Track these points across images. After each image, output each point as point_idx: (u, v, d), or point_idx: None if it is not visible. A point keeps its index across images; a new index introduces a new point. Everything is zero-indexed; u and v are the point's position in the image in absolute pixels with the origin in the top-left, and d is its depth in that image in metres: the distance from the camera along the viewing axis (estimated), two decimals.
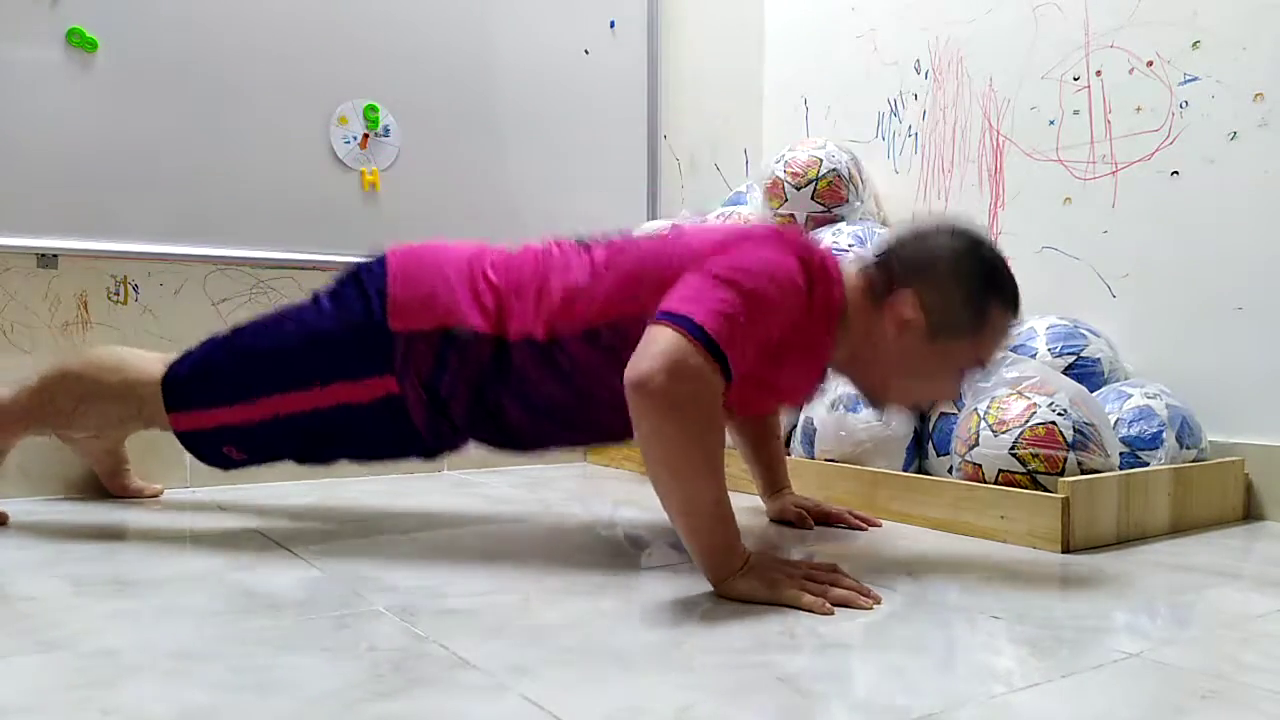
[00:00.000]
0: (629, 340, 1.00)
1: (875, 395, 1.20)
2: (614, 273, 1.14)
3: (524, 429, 1.24)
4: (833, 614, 0.94)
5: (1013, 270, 1.12)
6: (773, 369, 1.10)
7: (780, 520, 1.46)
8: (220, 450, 1.27)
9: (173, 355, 1.30)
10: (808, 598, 0.95)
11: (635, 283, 1.12)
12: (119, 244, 1.68)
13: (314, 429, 1.22)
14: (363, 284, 1.22)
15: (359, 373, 1.19)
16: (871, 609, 0.96)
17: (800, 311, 1.06)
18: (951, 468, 1.48)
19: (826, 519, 1.44)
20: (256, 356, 1.23)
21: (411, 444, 1.26)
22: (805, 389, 1.24)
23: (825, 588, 0.98)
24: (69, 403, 1.30)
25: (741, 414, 1.40)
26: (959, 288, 1.08)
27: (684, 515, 0.98)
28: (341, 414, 1.20)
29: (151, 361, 1.30)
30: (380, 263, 1.24)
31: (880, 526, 1.43)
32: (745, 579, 0.99)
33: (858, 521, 1.42)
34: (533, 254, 1.22)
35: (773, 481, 1.49)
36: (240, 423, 1.23)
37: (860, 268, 1.16)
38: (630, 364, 0.96)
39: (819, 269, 1.10)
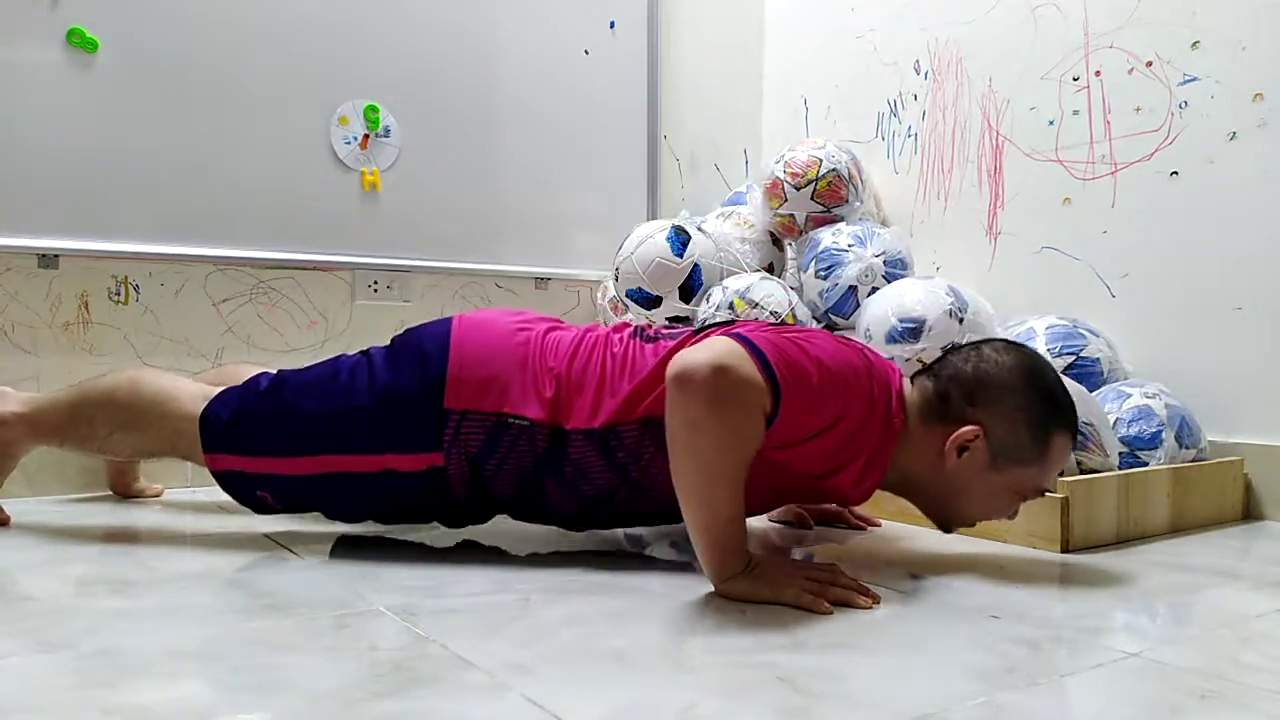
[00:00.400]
0: None
1: (933, 515, 1.18)
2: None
3: (565, 513, 1.23)
4: (832, 614, 0.94)
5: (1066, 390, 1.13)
6: (827, 470, 1.09)
7: (780, 520, 1.46)
8: (255, 493, 1.24)
9: (212, 389, 1.27)
10: (807, 597, 0.95)
11: None
12: (120, 244, 1.68)
13: (354, 490, 1.20)
14: (424, 355, 1.19)
15: (410, 447, 1.17)
16: (870, 608, 0.96)
17: (863, 402, 1.05)
18: None
19: (826, 519, 1.44)
20: (306, 416, 1.19)
21: (443, 510, 1.24)
22: (855, 495, 1.18)
23: (824, 587, 0.98)
24: (106, 429, 1.27)
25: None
26: (1024, 419, 1.08)
27: (699, 511, 0.98)
28: (385, 480, 1.18)
29: (192, 396, 1.25)
30: (444, 336, 1.20)
31: (879, 526, 1.43)
32: (747, 579, 0.99)
33: (857, 521, 1.42)
34: (600, 339, 1.19)
35: None
36: (281, 473, 1.20)
37: (919, 386, 1.14)
38: (678, 358, 0.97)
39: (881, 376, 1.09)
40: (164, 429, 1.25)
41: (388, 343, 1.26)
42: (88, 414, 1.28)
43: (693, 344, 1.05)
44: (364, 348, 1.28)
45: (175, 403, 1.25)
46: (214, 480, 1.25)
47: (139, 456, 1.30)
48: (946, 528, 1.18)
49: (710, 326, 1.19)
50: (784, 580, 0.98)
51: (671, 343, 1.17)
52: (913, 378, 1.16)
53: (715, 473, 0.97)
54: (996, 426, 1.08)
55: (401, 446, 1.17)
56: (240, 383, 1.26)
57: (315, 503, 1.25)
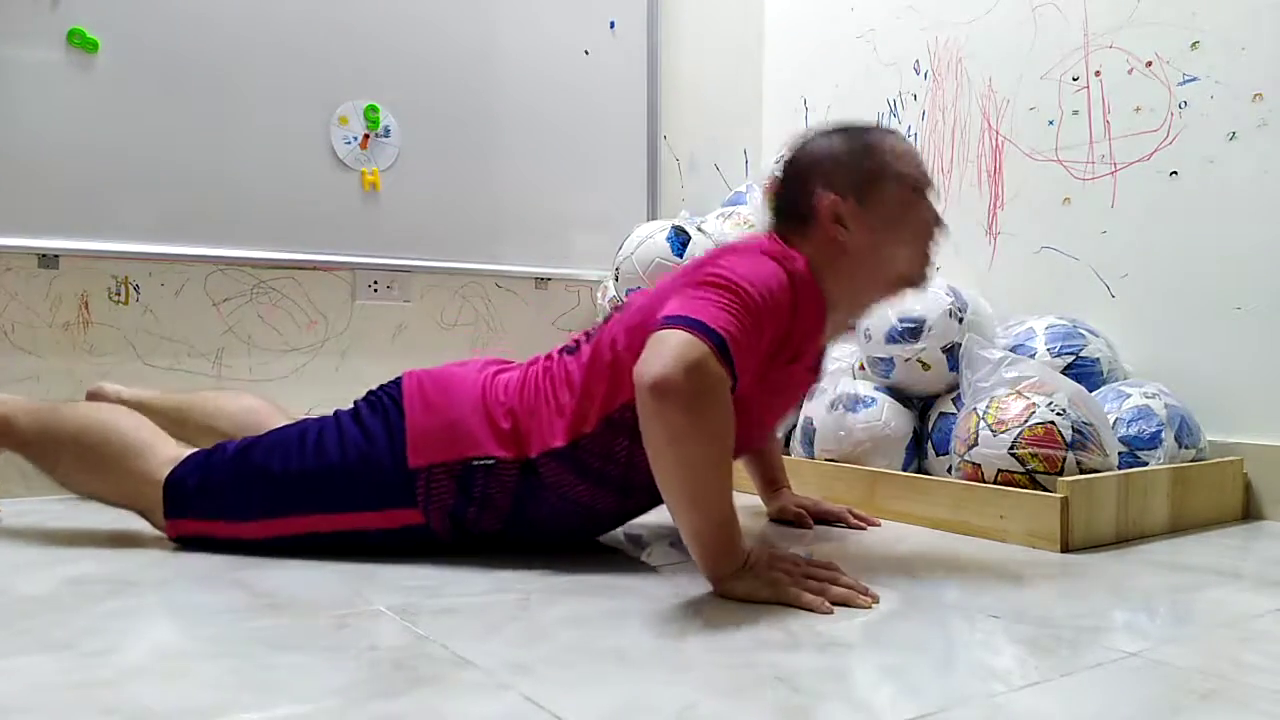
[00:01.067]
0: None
1: (877, 293, 1.19)
2: (607, 354, 1.13)
3: (565, 532, 1.23)
4: (832, 613, 0.94)
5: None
6: (777, 371, 1.11)
7: (780, 520, 1.46)
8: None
9: (182, 450, 1.24)
10: (807, 596, 0.95)
11: (630, 353, 1.08)
12: (120, 244, 1.69)
13: (327, 545, 1.19)
14: (387, 412, 1.19)
15: (383, 506, 1.16)
16: (870, 608, 0.96)
17: (787, 303, 1.06)
18: (951, 467, 1.48)
19: (826, 518, 1.44)
20: (275, 477, 1.18)
21: (431, 548, 1.23)
22: (805, 385, 1.25)
23: (824, 586, 0.98)
24: (68, 466, 1.25)
25: (745, 447, 1.32)
26: (847, 153, 1.14)
27: (690, 514, 0.99)
28: (361, 536, 1.18)
29: (159, 459, 1.22)
30: (398, 394, 1.21)
31: (879, 526, 1.43)
32: (745, 578, 0.99)
33: (857, 521, 1.43)
34: (539, 369, 1.20)
35: (771, 481, 1.49)
36: (249, 537, 1.19)
37: (774, 226, 1.19)
38: (640, 365, 0.96)
39: (791, 265, 1.10)
40: (125, 485, 1.22)
41: (350, 405, 1.25)
42: (54, 444, 1.26)
43: (625, 334, 1.10)
44: (332, 410, 1.27)
45: (141, 460, 1.21)
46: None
47: (95, 500, 1.26)
48: (918, 286, 1.20)
49: (617, 312, 1.20)
50: (782, 579, 0.98)
51: (588, 346, 1.17)
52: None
53: (703, 476, 0.97)
54: (836, 181, 1.13)
55: (375, 505, 1.16)
56: (204, 446, 1.25)
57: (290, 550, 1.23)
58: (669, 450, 0.96)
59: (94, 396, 1.51)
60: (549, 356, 1.22)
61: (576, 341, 1.22)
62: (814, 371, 1.27)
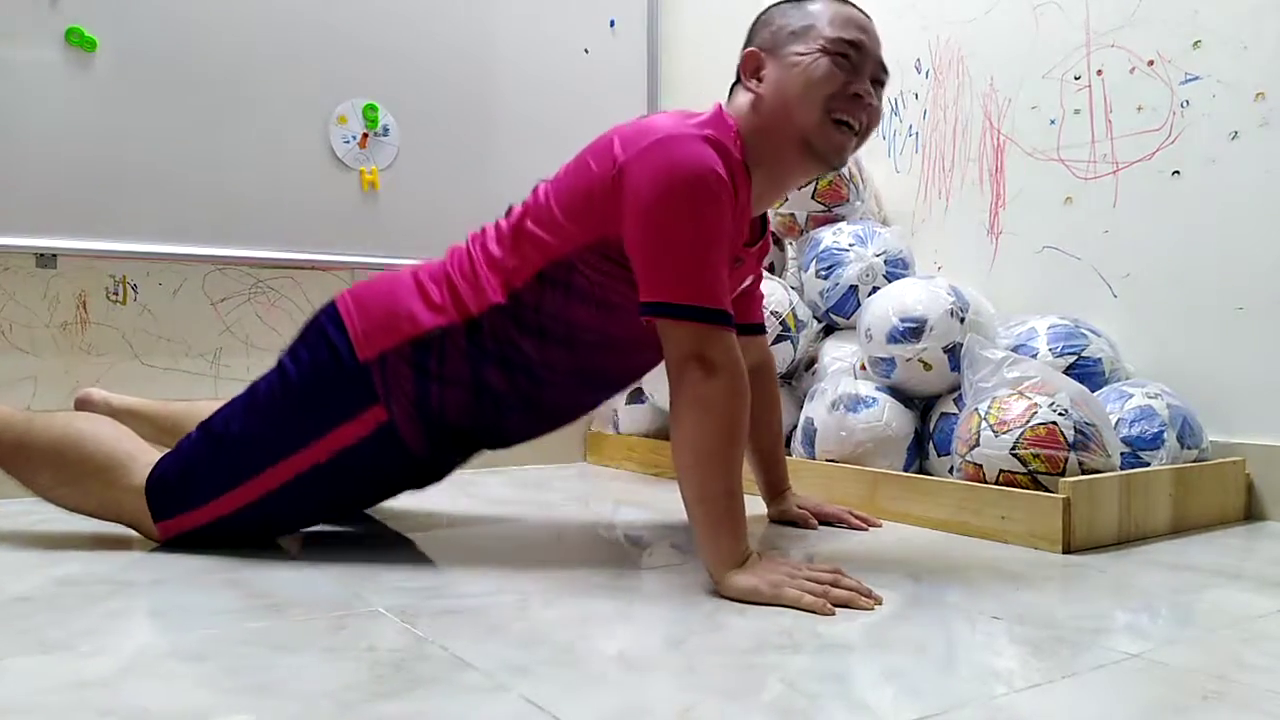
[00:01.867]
0: (577, 272, 1.12)
1: (790, 157, 1.17)
2: (537, 213, 1.16)
3: (525, 417, 1.23)
4: (834, 614, 0.93)
5: None
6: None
7: (783, 521, 1.46)
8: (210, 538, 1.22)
9: (155, 453, 1.22)
10: (809, 598, 0.95)
11: (566, 214, 1.13)
12: (118, 244, 1.68)
13: (314, 491, 1.18)
14: (323, 329, 1.20)
15: (348, 413, 1.16)
16: (873, 609, 0.96)
17: (730, 201, 1.08)
18: (952, 468, 1.48)
19: (827, 520, 1.44)
20: (242, 437, 1.18)
21: (409, 472, 1.24)
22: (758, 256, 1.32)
23: (826, 588, 0.98)
24: (48, 481, 1.23)
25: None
26: (780, 12, 1.18)
27: (700, 503, 1.03)
28: (341, 463, 1.16)
29: (141, 466, 1.20)
30: (331, 305, 1.23)
31: (880, 526, 1.43)
32: (747, 577, 0.99)
33: (858, 522, 1.42)
34: (469, 239, 1.23)
35: (774, 482, 1.49)
36: (238, 507, 1.17)
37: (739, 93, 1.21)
38: (669, 362, 1.05)
39: (719, 141, 1.09)
40: (107, 498, 1.20)
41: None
42: (31, 458, 1.23)
43: (555, 194, 1.15)
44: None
45: (122, 471, 1.19)
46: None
47: (81, 514, 1.24)
48: (821, 157, 1.17)
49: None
50: (784, 580, 0.98)
51: (519, 207, 1.20)
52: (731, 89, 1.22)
53: (715, 463, 1.02)
54: (758, 37, 1.19)
55: (341, 417, 1.16)
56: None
57: (279, 523, 1.24)
58: (688, 439, 1.03)
59: (83, 403, 1.49)
60: (481, 229, 1.24)
61: (509, 209, 1.23)
62: (757, 264, 1.33)
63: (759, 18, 1.21)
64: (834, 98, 1.14)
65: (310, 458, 1.16)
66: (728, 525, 1.02)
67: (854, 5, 1.20)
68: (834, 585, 0.99)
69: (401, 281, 1.22)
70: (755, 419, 1.39)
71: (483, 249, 1.19)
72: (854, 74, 1.15)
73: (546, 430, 1.31)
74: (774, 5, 1.21)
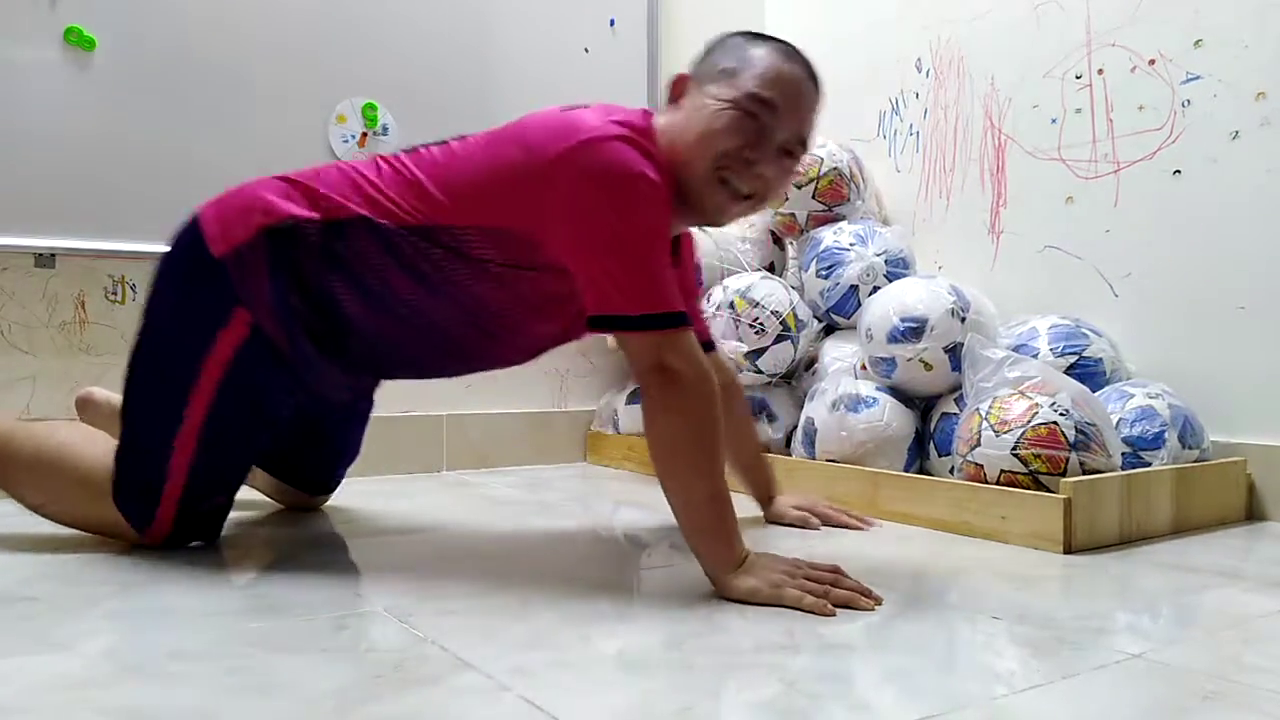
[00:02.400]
0: (470, 247, 1.10)
1: (689, 191, 1.11)
2: (436, 175, 1.13)
3: (369, 329, 1.18)
4: (834, 615, 0.93)
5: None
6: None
7: (779, 522, 1.45)
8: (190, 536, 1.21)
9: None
10: (809, 599, 0.95)
11: (471, 188, 1.10)
12: (117, 243, 1.68)
13: (233, 420, 1.16)
14: (178, 242, 1.18)
15: (216, 317, 1.13)
16: (873, 609, 0.96)
17: (667, 204, 1.07)
18: (953, 468, 1.47)
19: (824, 520, 1.43)
20: (148, 401, 1.16)
21: (307, 386, 1.22)
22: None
23: (827, 588, 0.97)
24: (32, 493, 1.23)
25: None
26: (722, 48, 1.14)
27: (686, 509, 1.02)
28: (235, 380, 1.14)
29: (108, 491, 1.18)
30: (187, 220, 1.20)
31: (876, 526, 1.43)
32: (747, 578, 0.99)
33: (854, 521, 1.42)
34: (360, 162, 1.21)
35: (764, 484, 1.48)
36: (187, 481, 1.15)
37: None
38: (635, 374, 1.05)
39: (645, 143, 1.07)
40: (90, 512, 1.19)
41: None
42: (17, 471, 1.22)
43: (463, 162, 1.11)
44: None
45: (103, 483, 1.17)
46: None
47: (72, 528, 1.23)
48: (709, 216, 1.15)
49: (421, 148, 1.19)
50: (784, 580, 0.98)
51: (426, 151, 1.17)
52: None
53: (692, 469, 1.02)
54: (697, 63, 1.16)
55: (214, 324, 1.13)
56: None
57: (232, 470, 1.21)
58: (664, 448, 1.03)
59: (83, 402, 1.48)
60: (364, 161, 1.21)
61: (414, 147, 1.21)
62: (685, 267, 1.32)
63: (710, 41, 1.17)
64: (726, 155, 1.08)
65: (209, 385, 1.13)
66: (718, 528, 1.01)
67: (803, 64, 1.12)
68: (834, 585, 0.98)
69: (264, 181, 1.19)
70: (733, 435, 1.38)
71: (363, 176, 1.16)
72: (757, 137, 1.08)
73: (403, 372, 1.30)
74: (728, 34, 1.16)
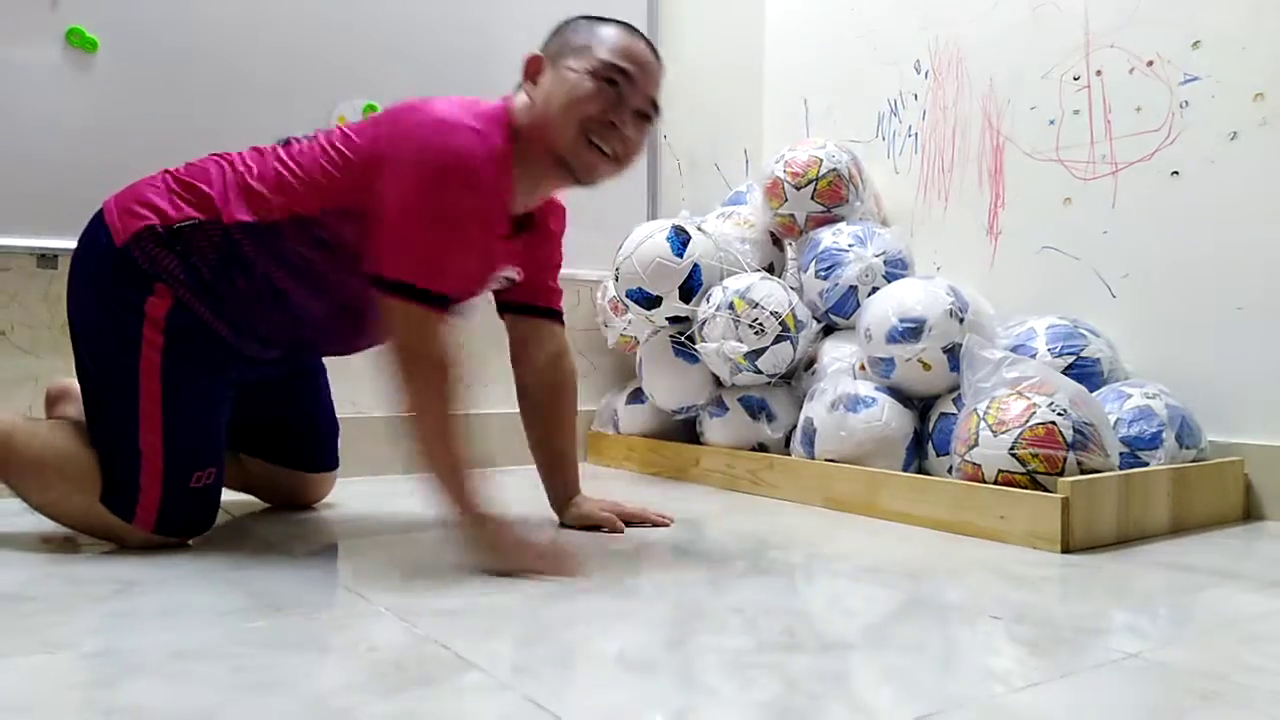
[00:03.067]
0: (328, 233, 1.17)
1: (548, 165, 1.21)
2: (295, 166, 1.20)
3: (269, 306, 1.25)
4: (574, 574, 1.06)
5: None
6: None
7: (583, 526, 1.40)
8: (181, 521, 1.23)
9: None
10: (540, 563, 1.08)
11: (323, 174, 1.18)
12: None
13: (189, 394, 1.21)
14: (87, 238, 1.24)
15: (142, 288, 1.18)
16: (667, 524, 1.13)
17: (495, 194, 1.16)
18: (951, 468, 1.48)
19: (630, 519, 1.42)
20: (104, 389, 1.20)
21: (241, 354, 1.27)
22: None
23: (556, 562, 1.09)
24: (34, 492, 1.23)
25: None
26: (572, 27, 1.23)
27: (430, 473, 1.11)
28: (178, 352, 1.19)
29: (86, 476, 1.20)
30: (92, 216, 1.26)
31: (672, 522, 1.42)
32: (485, 548, 1.10)
33: (658, 518, 1.42)
34: (219, 159, 1.28)
35: (567, 485, 1.45)
36: (164, 463, 1.18)
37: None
38: (386, 335, 1.12)
39: (491, 129, 1.16)
40: (91, 512, 1.20)
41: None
42: (20, 469, 1.23)
43: (338, 158, 1.18)
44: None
45: (96, 481, 1.20)
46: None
47: (74, 528, 1.25)
48: (572, 170, 1.21)
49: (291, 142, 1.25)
50: (523, 553, 1.09)
51: (298, 146, 1.24)
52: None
53: (437, 435, 1.11)
54: (548, 44, 1.23)
55: (138, 300, 1.18)
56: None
57: (206, 444, 1.24)
58: (409, 416, 1.11)
59: (55, 395, 1.46)
60: (249, 154, 1.27)
61: (288, 139, 1.27)
62: (526, 255, 1.37)
63: (558, 25, 1.25)
64: (591, 119, 1.17)
65: (153, 353, 1.18)
66: (458, 491, 1.10)
67: (645, 41, 1.23)
68: (554, 555, 1.10)
69: (153, 179, 1.25)
70: (549, 414, 1.45)
71: (238, 171, 1.23)
72: (616, 102, 1.18)
73: (312, 346, 1.37)
74: (574, 17, 1.24)
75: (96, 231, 1.23)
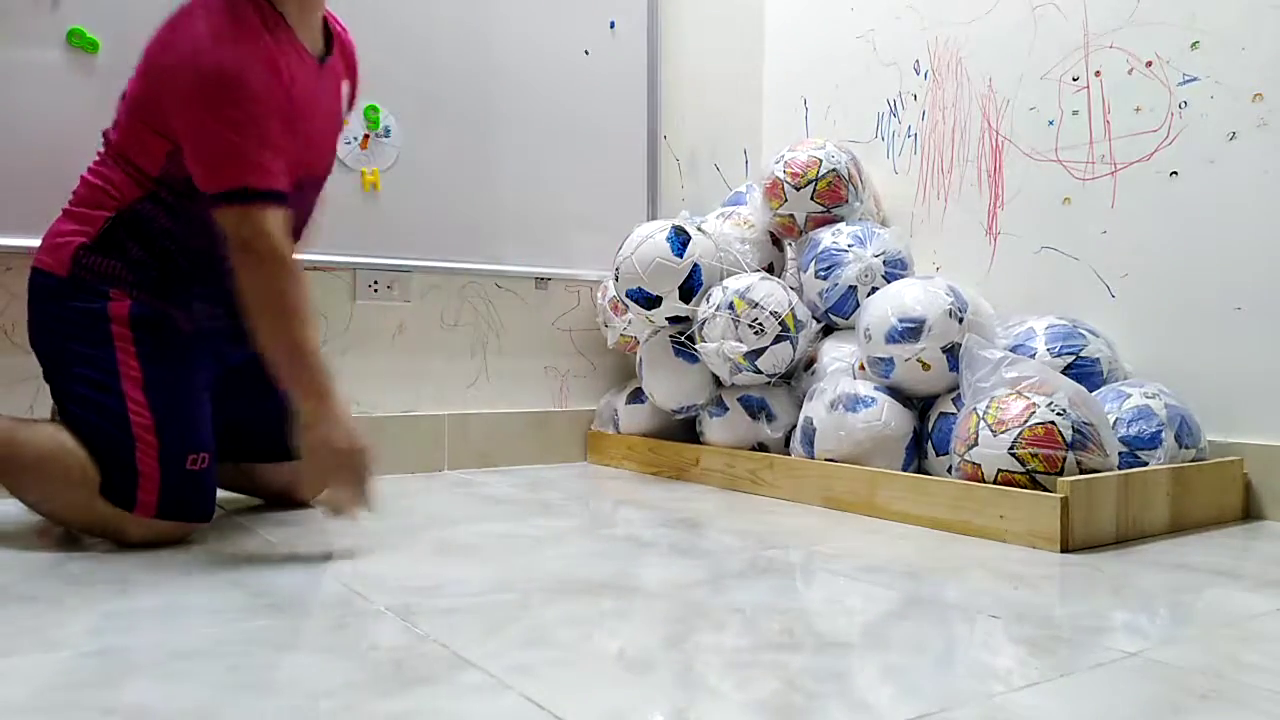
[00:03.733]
0: (175, 182, 1.25)
1: None
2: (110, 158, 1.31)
3: (187, 274, 1.33)
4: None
5: None
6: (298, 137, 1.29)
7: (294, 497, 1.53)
8: (190, 505, 1.26)
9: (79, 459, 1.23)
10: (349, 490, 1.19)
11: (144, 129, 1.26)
12: None
13: (168, 382, 1.26)
14: (33, 289, 1.31)
15: (99, 297, 1.26)
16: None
17: (274, 84, 1.22)
18: (951, 467, 1.48)
19: (275, 494, 1.54)
20: (86, 384, 1.24)
21: (202, 331, 1.34)
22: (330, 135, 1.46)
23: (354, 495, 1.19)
24: (34, 493, 1.26)
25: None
26: None
27: (275, 361, 1.19)
28: (148, 353, 1.26)
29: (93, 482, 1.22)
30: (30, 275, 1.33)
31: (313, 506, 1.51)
32: (325, 427, 1.18)
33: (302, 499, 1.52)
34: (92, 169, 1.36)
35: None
36: (160, 451, 1.23)
37: None
38: (231, 240, 1.19)
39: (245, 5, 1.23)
40: (92, 511, 1.22)
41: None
42: (21, 471, 1.24)
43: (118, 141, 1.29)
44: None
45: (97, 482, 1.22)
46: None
47: (74, 528, 1.27)
48: None
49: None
50: (352, 439, 1.19)
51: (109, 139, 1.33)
52: None
53: (283, 320, 1.19)
54: None
55: (100, 305, 1.26)
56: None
57: (192, 427, 1.28)
58: (253, 307, 1.19)
59: None
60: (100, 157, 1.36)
61: (105, 135, 1.35)
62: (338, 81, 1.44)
63: None
64: None
65: (128, 357, 1.24)
66: (298, 376, 1.19)
67: None
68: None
69: (55, 221, 1.33)
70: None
71: (102, 175, 1.31)
72: None
73: (223, 313, 1.37)
74: None
75: (41, 283, 1.29)
